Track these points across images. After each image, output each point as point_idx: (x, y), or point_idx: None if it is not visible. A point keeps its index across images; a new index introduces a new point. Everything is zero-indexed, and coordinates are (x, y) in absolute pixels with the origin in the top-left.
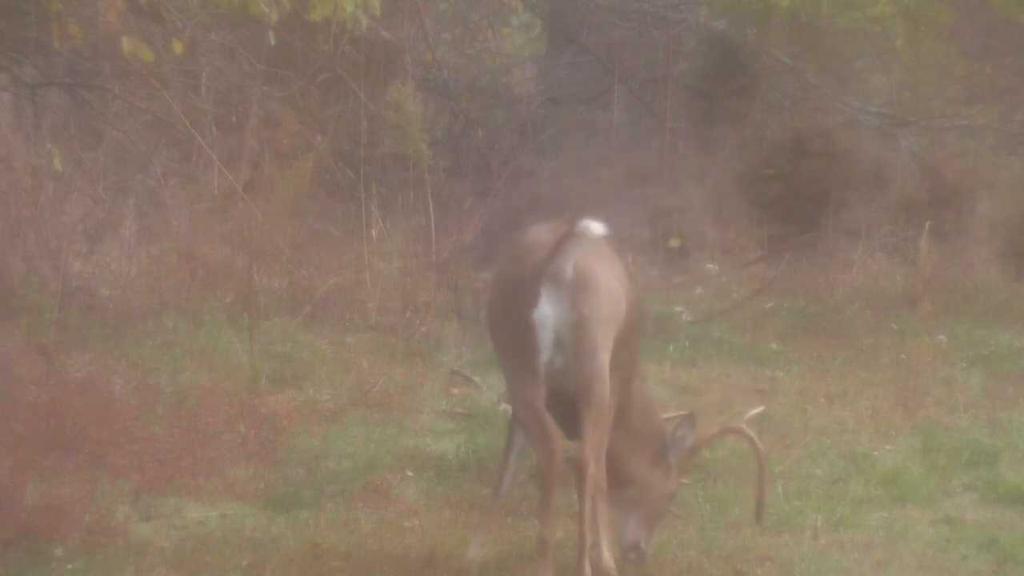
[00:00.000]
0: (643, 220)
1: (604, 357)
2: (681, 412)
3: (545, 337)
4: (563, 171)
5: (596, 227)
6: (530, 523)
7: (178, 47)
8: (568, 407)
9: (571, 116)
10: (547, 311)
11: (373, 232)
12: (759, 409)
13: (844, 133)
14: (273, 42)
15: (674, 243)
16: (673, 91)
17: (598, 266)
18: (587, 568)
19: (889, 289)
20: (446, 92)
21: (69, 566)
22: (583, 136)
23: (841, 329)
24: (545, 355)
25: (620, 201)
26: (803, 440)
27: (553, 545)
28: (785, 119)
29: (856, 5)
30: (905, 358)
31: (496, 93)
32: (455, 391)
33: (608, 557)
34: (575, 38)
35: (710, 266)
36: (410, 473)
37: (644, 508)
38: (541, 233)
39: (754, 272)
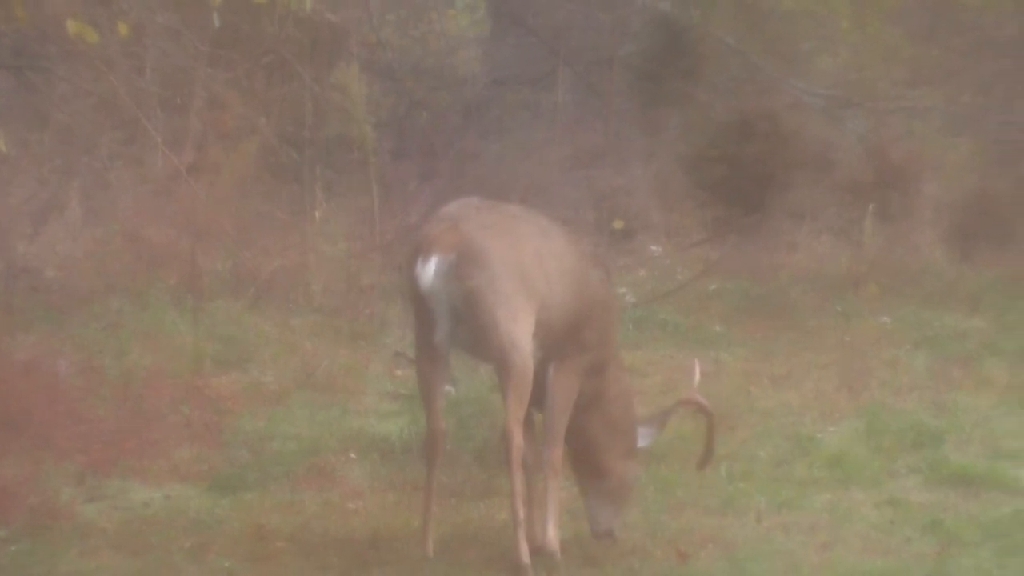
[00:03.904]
0: (587, 202)
1: (514, 328)
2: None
3: (438, 311)
4: (508, 153)
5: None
6: (474, 505)
7: (123, 29)
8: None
9: (516, 98)
10: (436, 284)
11: (317, 214)
12: (698, 371)
13: (789, 115)
14: (218, 24)
15: (618, 225)
16: (618, 73)
17: (495, 240)
18: (523, 546)
19: (834, 271)
20: (391, 74)
21: (13, 548)
22: (528, 118)
23: (786, 311)
24: (442, 329)
25: (564, 183)
26: (748, 422)
27: (431, 523)
28: (730, 101)
29: None
30: (850, 340)
31: (441, 75)
32: (399, 373)
33: (553, 537)
34: (520, 19)
35: (654, 248)
36: (354, 455)
37: (618, 498)
38: (450, 208)
39: (698, 254)
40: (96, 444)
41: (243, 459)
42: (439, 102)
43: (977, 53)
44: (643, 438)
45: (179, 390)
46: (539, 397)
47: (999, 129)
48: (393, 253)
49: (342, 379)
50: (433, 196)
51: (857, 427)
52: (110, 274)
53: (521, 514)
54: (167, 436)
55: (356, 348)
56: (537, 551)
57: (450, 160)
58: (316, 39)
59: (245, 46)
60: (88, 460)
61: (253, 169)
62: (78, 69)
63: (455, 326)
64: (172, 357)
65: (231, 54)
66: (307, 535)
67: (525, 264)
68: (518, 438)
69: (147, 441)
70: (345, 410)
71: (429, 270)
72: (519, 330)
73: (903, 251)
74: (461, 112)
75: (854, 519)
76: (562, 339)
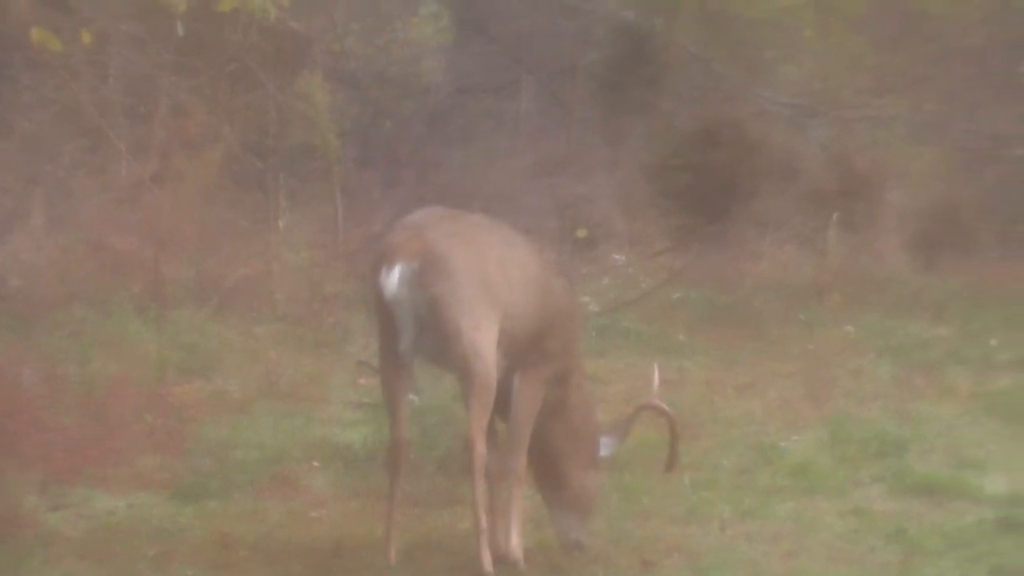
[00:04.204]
0: (550, 210)
1: (477, 337)
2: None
3: (402, 319)
4: (471, 161)
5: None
6: (437, 514)
7: (87, 37)
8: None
9: (479, 106)
10: (399, 293)
11: (281, 222)
12: (657, 375)
13: (754, 123)
14: (182, 32)
15: (581, 233)
16: (581, 81)
17: (459, 249)
18: (486, 555)
19: (798, 280)
20: (355, 82)
21: None
22: (491, 126)
23: (750, 320)
24: (406, 338)
25: (528, 191)
26: (711, 431)
27: (394, 532)
28: (694, 109)
29: None
30: (814, 349)
31: (405, 83)
32: (362, 381)
33: (516, 545)
34: (483, 28)
35: (617, 256)
36: (317, 464)
37: (581, 507)
38: (414, 217)
39: (662, 262)
40: (60, 452)
41: (206, 467)
42: (403, 110)
43: (941, 61)
44: (605, 447)
45: (142, 398)
46: (503, 406)
47: (963, 137)
48: (357, 261)
49: (306, 388)
50: (397, 204)
51: (821, 436)
52: (74, 282)
53: (484, 523)
54: (130, 444)
55: (320, 357)
56: (500, 560)
57: (414, 168)
58: (280, 47)
59: (209, 54)
60: (52, 468)
61: (217, 177)
62: (42, 77)
63: (419, 335)
64: (135, 365)
65: (195, 62)
66: (270, 543)
67: (488, 273)
68: (481, 447)
69: (110, 449)
70: (309, 419)
71: (393, 278)
72: (482, 339)
73: (867, 260)
74: (425, 120)
75: (818, 528)
76: (526, 348)
